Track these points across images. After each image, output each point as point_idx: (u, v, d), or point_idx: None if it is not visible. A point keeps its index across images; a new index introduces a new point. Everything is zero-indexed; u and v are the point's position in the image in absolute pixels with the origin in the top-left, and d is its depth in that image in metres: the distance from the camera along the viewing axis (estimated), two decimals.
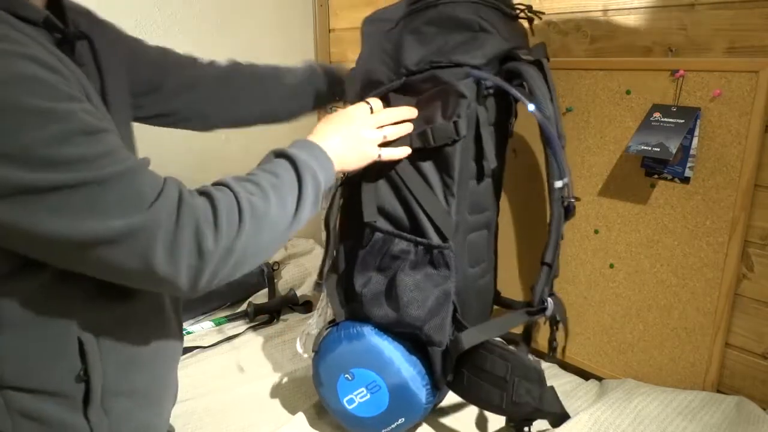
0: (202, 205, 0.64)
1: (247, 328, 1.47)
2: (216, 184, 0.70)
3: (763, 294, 1.06)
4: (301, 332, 1.13)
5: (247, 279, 1.63)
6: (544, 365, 1.33)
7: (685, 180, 1.09)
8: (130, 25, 1.42)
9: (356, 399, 1.01)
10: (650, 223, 1.16)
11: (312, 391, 1.20)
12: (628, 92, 1.14)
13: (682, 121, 1.05)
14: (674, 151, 1.03)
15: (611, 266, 1.23)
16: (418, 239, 0.96)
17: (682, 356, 1.15)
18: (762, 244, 1.05)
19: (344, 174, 1.01)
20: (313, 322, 1.11)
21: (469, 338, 0.93)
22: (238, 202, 0.66)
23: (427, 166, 0.96)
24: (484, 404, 0.99)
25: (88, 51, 0.75)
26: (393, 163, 0.96)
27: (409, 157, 0.96)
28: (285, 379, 1.25)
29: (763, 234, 1.05)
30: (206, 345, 1.38)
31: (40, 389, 0.66)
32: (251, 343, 1.40)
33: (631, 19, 1.15)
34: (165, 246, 0.60)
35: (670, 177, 1.11)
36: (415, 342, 0.99)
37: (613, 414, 1.07)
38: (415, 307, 0.94)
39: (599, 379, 1.27)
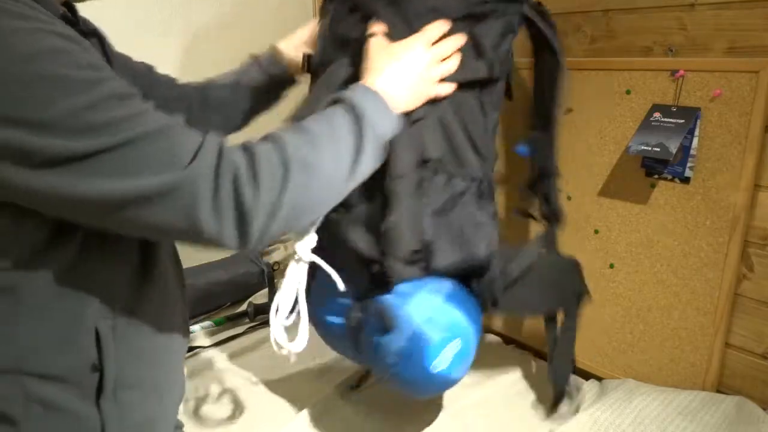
0: (241, 159, 0.63)
1: (247, 328, 1.47)
2: (264, 137, 0.68)
3: (763, 294, 1.06)
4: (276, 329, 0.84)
5: (247, 279, 1.63)
6: (544, 365, 1.33)
7: (685, 180, 1.09)
8: (130, 25, 1.42)
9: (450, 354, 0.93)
10: (650, 223, 1.16)
11: (314, 390, 1.20)
12: (628, 92, 1.14)
13: (682, 121, 1.05)
14: (674, 151, 1.03)
15: (611, 266, 1.23)
16: (473, 174, 0.95)
17: (682, 356, 1.15)
18: (762, 244, 1.05)
19: None
20: (280, 315, 0.85)
21: (518, 265, 0.99)
22: (283, 154, 0.65)
23: (472, 98, 0.94)
24: (528, 306, 1.05)
25: (99, 48, 0.77)
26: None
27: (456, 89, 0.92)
28: (286, 379, 1.25)
29: (763, 234, 1.05)
30: (206, 345, 1.38)
31: (54, 376, 0.66)
32: (251, 343, 1.40)
33: (631, 19, 1.15)
34: (207, 202, 0.60)
35: (670, 177, 1.11)
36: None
37: (613, 414, 1.07)
38: (485, 244, 0.94)
39: (599, 379, 1.27)
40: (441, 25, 0.90)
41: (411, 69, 0.84)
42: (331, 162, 0.69)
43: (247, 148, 0.65)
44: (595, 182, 1.22)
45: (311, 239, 0.83)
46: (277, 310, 0.84)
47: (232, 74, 1.09)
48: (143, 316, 0.74)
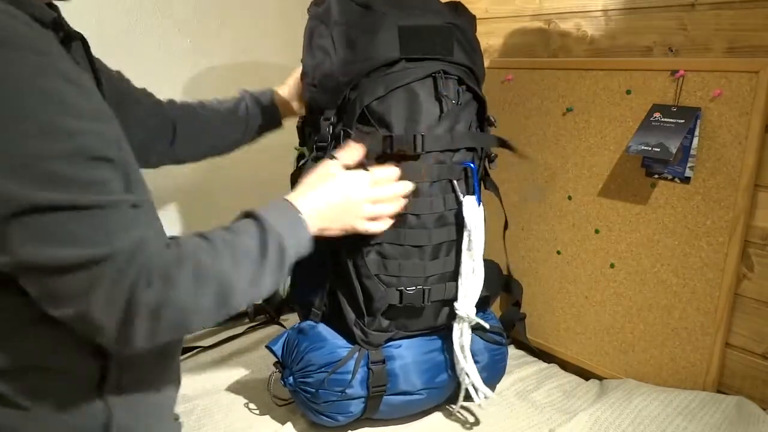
0: (155, 255, 0.62)
1: (247, 328, 1.47)
2: (172, 238, 0.68)
3: (763, 294, 1.06)
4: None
5: None
6: (544, 365, 1.33)
7: (686, 180, 1.09)
8: (129, 25, 1.42)
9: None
10: (650, 223, 1.16)
11: None
12: (628, 92, 1.14)
13: (682, 121, 1.05)
14: (674, 151, 1.03)
15: (612, 266, 1.23)
16: None
17: (683, 356, 1.15)
18: (762, 244, 1.05)
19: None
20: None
21: None
22: (179, 256, 0.64)
23: None
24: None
25: (82, 51, 0.77)
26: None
27: None
28: None
29: (763, 234, 1.05)
30: (206, 345, 1.38)
31: (60, 369, 0.68)
32: (251, 343, 1.40)
33: (631, 19, 1.15)
34: (106, 290, 0.59)
35: (670, 177, 1.11)
36: None
37: (613, 414, 1.07)
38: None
39: (599, 379, 1.27)
40: (394, 170, 0.91)
41: (342, 197, 0.83)
42: (228, 270, 0.67)
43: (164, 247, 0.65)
44: (595, 182, 1.22)
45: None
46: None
47: (228, 102, 1.13)
48: None
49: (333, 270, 1.02)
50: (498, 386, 1.22)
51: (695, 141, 1.06)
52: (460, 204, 0.99)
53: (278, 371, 1.05)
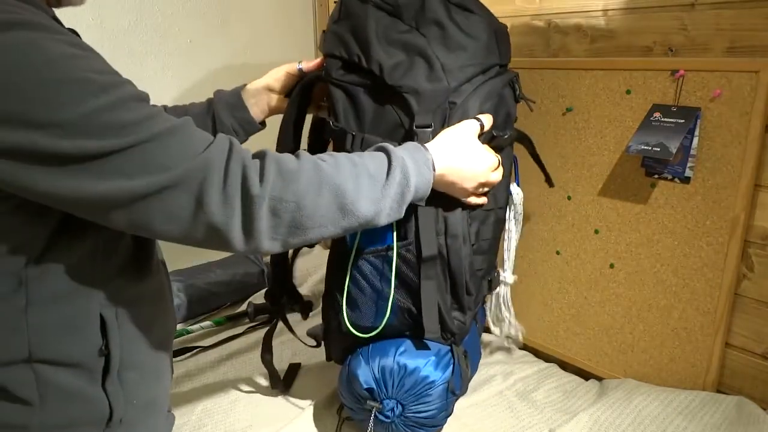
0: (252, 154, 0.67)
1: (247, 328, 1.47)
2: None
3: (763, 294, 1.06)
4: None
5: (247, 279, 1.63)
6: (544, 365, 1.33)
7: (685, 180, 1.09)
8: (129, 26, 1.43)
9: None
10: (650, 223, 1.16)
11: (314, 390, 1.20)
12: (628, 92, 1.14)
13: (683, 121, 1.05)
14: (674, 151, 1.03)
15: (611, 266, 1.23)
16: None
17: (682, 356, 1.15)
18: (762, 244, 1.05)
19: None
20: None
21: None
22: (298, 157, 0.69)
23: None
24: None
25: None
26: None
27: None
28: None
29: (763, 234, 1.05)
30: (206, 345, 1.38)
31: (65, 362, 0.70)
32: (251, 343, 1.40)
33: (631, 19, 1.15)
34: (217, 187, 0.63)
35: (670, 177, 1.11)
36: None
37: (613, 414, 1.07)
38: None
39: (599, 379, 1.27)
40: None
41: (469, 166, 0.88)
42: (346, 181, 0.71)
43: (260, 151, 0.69)
44: (595, 182, 1.22)
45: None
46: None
47: (201, 108, 1.06)
48: (144, 304, 0.78)
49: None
50: (498, 386, 1.23)
51: (695, 141, 1.06)
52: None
53: (378, 405, 0.97)
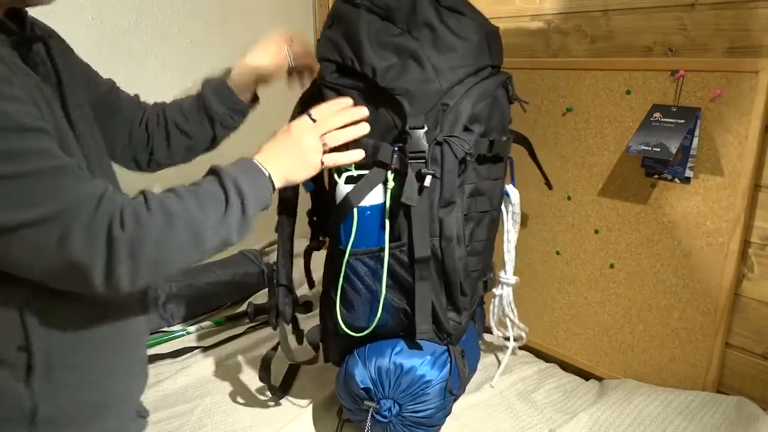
0: (121, 202, 0.68)
1: (247, 328, 1.47)
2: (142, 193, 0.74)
3: (763, 294, 1.06)
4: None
5: (247, 279, 1.63)
6: (544, 365, 1.33)
7: (686, 180, 1.09)
8: (129, 26, 1.42)
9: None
10: (650, 223, 1.16)
11: (314, 391, 1.20)
12: (628, 92, 1.14)
13: (683, 121, 1.05)
14: (674, 151, 1.03)
15: (611, 266, 1.23)
16: None
17: (682, 356, 1.15)
18: (762, 244, 1.05)
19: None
20: None
21: None
22: (146, 199, 0.71)
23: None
24: None
25: (45, 54, 0.78)
26: None
27: None
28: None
29: (763, 234, 1.05)
30: (206, 345, 1.38)
31: None
32: (251, 343, 1.40)
33: (631, 19, 1.15)
34: (82, 230, 0.64)
35: (670, 177, 1.11)
36: None
37: (613, 414, 1.07)
38: None
39: (599, 379, 1.27)
40: (343, 100, 0.93)
41: (291, 141, 0.88)
42: (193, 210, 0.73)
43: (126, 197, 0.71)
44: (595, 182, 1.22)
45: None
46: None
47: (192, 102, 1.07)
48: (83, 302, 0.75)
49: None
50: (498, 386, 1.23)
51: (695, 141, 1.06)
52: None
53: (374, 405, 0.97)
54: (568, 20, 1.25)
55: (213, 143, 1.09)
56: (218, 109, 1.04)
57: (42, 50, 0.77)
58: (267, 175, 0.83)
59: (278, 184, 0.85)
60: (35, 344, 0.71)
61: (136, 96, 1.07)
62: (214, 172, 0.79)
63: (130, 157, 1.05)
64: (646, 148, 1.06)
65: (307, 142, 0.88)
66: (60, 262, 0.64)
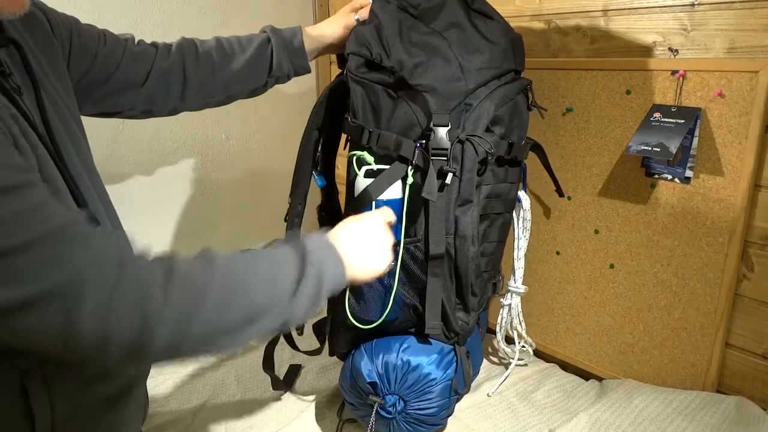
0: (151, 266, 0.58)
1: None
2: (198, 254, 0.65)
3: (763, 294, 1.06)
4: None
5: None
6: (544, 365, 1.33)
7: (686, 180, 1.09)
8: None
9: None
10: (650, 223, 1.16)
11: (314, 391, 1.20)
12: (628, 92, 1.14)
13: (683, 121, 1.05)
14: (674, 151, 1.03)
15: (611, 266, 1.23)
16: None
17: (682, 356, 1.15)
18: (762, 244, 1.05)
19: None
20: None
21: None
22: (204, 261, 0.62)
23: None
24: None
25: (17, 56, 0.71)
26: None
27: None
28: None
29: (763, 234, 1.05)
30: None
31: None
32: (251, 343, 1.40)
33: (631, 19, 1.15)
34: (96, 303, 0.53)
35: (670, 177, 1.11)
36: None
37: (613, 414, 1.07)
38: None
39: (599, 379, 1.27)
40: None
41: (369, 230, 0.82)
42: (262, 290, 0.65)
43: (165, 261, 0.60)
44: (595, 182, 1.22)
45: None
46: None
47: (251, 48, 1.02)
48: (83, 371, 0.70)
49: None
50: (498, 386, 1.23)
51: (695, 141, 1.06)
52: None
53: (380, 400, 0.97)
54: (568, 20, 1.25)
55: (255, 94, 1.09)
56: (285, 65, 1.03)
57: (15, 53, 0.70)
58: (344, 267, 0.75)
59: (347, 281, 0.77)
60: (38, 415, 0.66)
61: (141, 42, 1.00)
62: (294, 245, 0.71)
63: (149, 107, 0.98)
64: (646, 148, 1.06)
65: (384, 236, 0.84)
66: (71, 345, 0.54)
